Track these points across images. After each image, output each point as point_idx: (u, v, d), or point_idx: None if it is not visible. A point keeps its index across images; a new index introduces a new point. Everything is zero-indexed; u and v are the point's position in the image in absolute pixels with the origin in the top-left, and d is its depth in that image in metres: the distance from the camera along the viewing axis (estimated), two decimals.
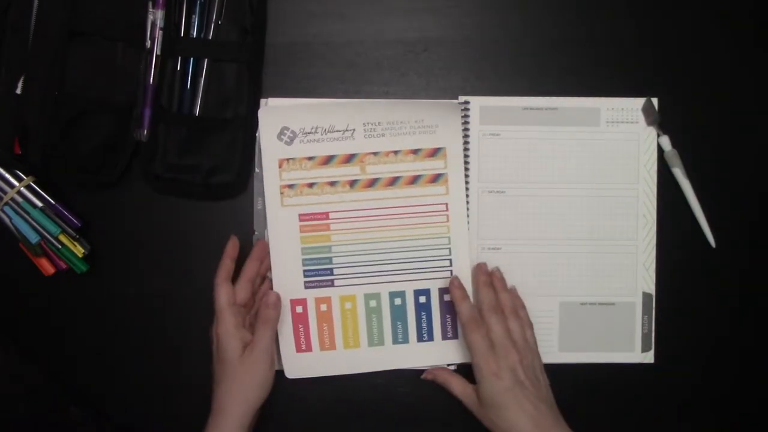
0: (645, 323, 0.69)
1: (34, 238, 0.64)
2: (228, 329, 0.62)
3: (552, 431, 0.60)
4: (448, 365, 0.68)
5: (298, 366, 0.68)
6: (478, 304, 0.65)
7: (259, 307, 0.65)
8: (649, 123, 0.69)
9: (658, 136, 0.69)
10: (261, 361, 0.62)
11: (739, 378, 0.70)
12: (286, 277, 0.67)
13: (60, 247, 0.65)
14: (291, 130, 0.67)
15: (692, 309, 0.70)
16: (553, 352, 0.69)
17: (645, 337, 0.69)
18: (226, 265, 0.65)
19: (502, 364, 0.61)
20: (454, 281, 0.66)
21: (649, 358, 0.69)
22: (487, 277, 0.66)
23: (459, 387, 0.65)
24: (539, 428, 0.60)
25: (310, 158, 0.67)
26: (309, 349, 0.68)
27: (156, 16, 0.65)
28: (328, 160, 0.67)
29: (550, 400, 0.63)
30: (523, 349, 0.63)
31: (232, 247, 0.66)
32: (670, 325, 0.69)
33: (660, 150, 0.69)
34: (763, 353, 0.70)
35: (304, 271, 0.67)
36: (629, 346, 0.69)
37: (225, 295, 0.63)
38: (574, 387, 0.68)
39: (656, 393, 0.70)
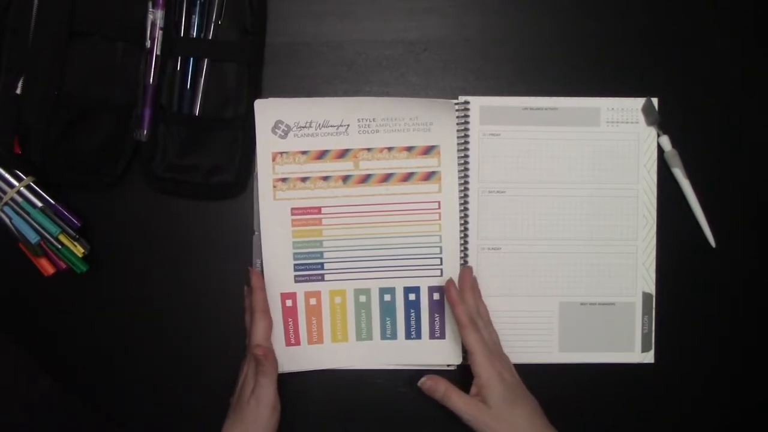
0: (645, 323, 0.69)
1: (34, 238, 0.64)
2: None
3: (547, 428, 0.61)
4: (448, 365, 0.68)
5: (286, 360, 0.67)
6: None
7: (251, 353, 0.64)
8: (649, 123, 0.69)
9: (658, 136, 0.69)
10: (264, 415, 0.61)
11: (739, 378, 0.70)
12: (277, 270, 0.67)
13: (60, 247, 0.64)
14: (285, 124, 0.67)
15: (692, 309, 0.70)
16: (553, 352, 0.69)
17: (645, 337, 0.69)
18: (263, 297, 0.65)
19: (500, 366, 0.62)
20: (449, 284, 0.65)
21: (649, 358, 0.69)
22: (473, 282, 0.67)
23: (460, 399, 0.62)
24: (542, 419, 0.61)
25: (304, 152, 0.67)
26: (297, 342, 0.68)
27: (156, 16, 0.65)
28: (321, 154, 0.67)
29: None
30: (505, 354, 0.65)
31: (258, 277, 0.66)
32: (670, 325, 0.69)
33: (660, 150, 0.69)
34: (764, 353, 0.70)
35: (295, 265, 0.67)
36: (629, 346, 0.69)
37: (265, 330, 0.64)
38: (574, 387, 0.68)
39: (656, 393, 0.70)
